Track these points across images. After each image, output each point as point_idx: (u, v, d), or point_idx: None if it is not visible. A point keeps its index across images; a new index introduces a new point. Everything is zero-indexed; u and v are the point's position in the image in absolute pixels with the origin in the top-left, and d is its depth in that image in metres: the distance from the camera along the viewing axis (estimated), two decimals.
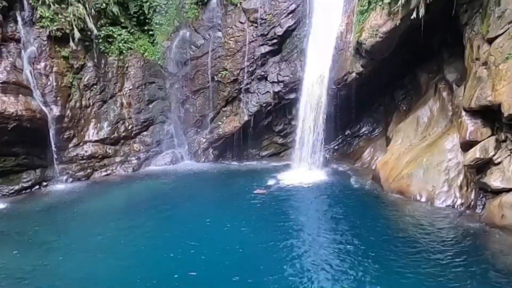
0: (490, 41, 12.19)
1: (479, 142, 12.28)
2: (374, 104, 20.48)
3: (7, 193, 15.69)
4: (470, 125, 12.54)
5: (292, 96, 19.50)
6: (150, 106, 20.45)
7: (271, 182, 16.92)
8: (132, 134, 19.96)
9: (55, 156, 17.18)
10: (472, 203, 13.11)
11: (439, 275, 9.20)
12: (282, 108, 20.34)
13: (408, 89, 18.98)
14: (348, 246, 10.81)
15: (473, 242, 11.03)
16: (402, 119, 17.92)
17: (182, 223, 12.84)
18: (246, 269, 9.80)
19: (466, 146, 12.75)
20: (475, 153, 12.18)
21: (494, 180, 11.89)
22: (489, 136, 12.26)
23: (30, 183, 16.40)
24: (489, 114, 12.27)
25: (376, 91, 19.60)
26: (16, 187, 15.96)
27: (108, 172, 18.97)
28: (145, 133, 20.39)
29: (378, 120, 20.46)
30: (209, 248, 10.78)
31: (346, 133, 21.05)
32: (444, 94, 15.95)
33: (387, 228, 12.13)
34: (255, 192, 15.54)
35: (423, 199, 13.97)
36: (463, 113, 12.82)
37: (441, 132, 15.38)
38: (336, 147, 21.17)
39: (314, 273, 9.49)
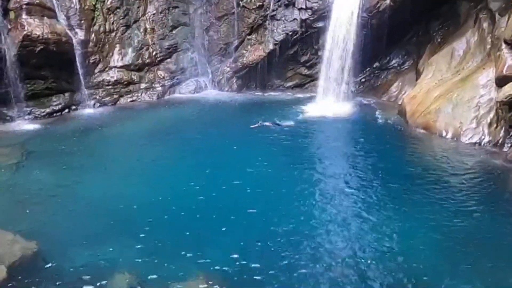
0: None
1: None
2: (406, 35, 19.34)
3: (39, 115, 16.32)
4: (510, 58, 11.86)
5: (320, 24, 18.59)
6: (173, 32, 19.99)
7: (293, 114, 16.84)
8: (156, 61, 19.81)
9: (82, 81, 17.45)
10: (500, 141, 12.80)
11: (462, 211, 9.26)
12: (309, 37, 19.50)
13: (445, 19, 17.71)
14: (369, 181, 10.89)
15: (498, 179, 10.98)
16: (435, 51, 16.99)
17: (204, 151, 13.10)
18: (265, 200, 9.98)
19: (502, 81, 12.14)
20: (511, 88, 11.61)
21: None
22: None
23: (60, 106, 16.92)
24: None
25: (410, 21, 18.42)
26: (47, 110, 16.55)
27: (134, 98, 19.21)
28: (169, 60, 20.19)
29: (410, 52, 19.46)
30: (228, 177, 10.99)
31: (375, 66, 20.24)
32: (485, 25, 14.86)
33: (410, 163, 12.13)
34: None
35: (449, 136, 13.70)
36: (504, 45, 12.06)
37: (476, 67, 14.60)
38: (363, 80, 20.54)
39: (332, 207, 9.60)
